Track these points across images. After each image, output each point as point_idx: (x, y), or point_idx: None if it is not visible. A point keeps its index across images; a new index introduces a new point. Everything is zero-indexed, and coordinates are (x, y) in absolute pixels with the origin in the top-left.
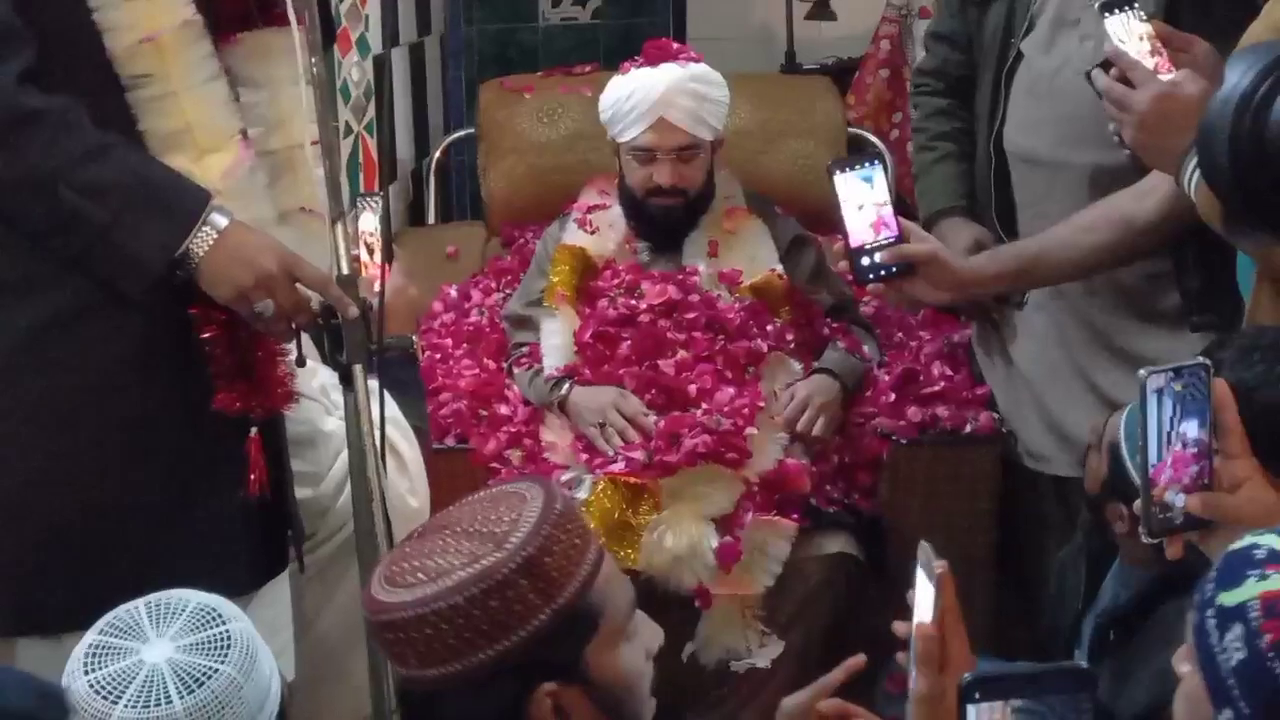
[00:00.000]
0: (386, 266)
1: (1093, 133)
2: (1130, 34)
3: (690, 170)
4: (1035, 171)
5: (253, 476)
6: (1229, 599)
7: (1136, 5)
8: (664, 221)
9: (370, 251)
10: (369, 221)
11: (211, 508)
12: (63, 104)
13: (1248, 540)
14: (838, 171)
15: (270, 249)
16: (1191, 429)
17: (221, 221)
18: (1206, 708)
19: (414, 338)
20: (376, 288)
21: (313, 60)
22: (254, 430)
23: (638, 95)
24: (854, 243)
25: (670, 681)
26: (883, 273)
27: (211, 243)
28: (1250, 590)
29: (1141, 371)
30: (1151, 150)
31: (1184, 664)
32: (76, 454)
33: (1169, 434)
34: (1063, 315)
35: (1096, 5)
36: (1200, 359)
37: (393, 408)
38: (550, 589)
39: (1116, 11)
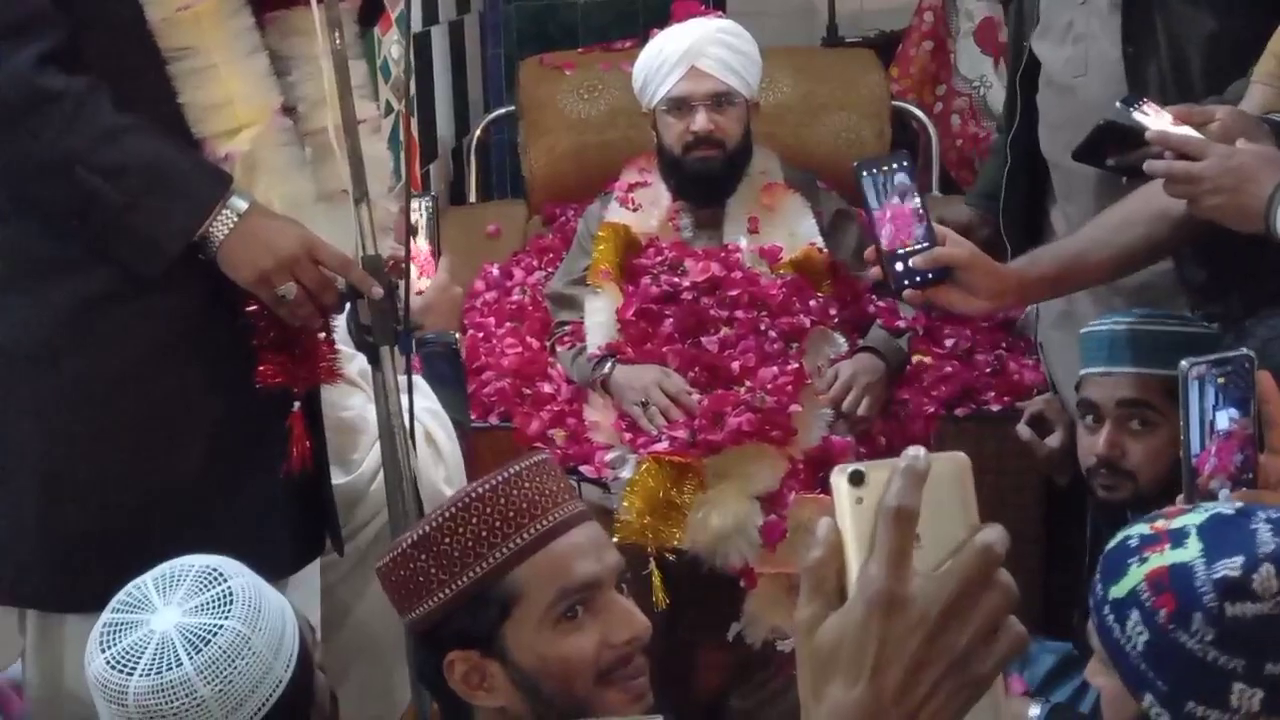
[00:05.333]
0: (431, 255)
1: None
2: (1159, 118)
3: (726, 121)
4: (1056, 172)
5: (295, 451)
6: (1118, 591)
7: (1145, 99)
8: (704, 176)
9: (414, 233)
10: (412, 205)
11: (253, 487)
12: (82, 85)
13: (1120, 536)
14: (865, 172)
15: (290, 231)
16: (1234, 419)
17: (241, 205)
18: (1129, 704)
19: (456, 335)
20: (415, 274)
21: (336, 37)
22: (296, 405)
23: (668, 49)
24: (887, 246)
25: (716, 661)
26: (918, 279)
27: (231, 226)
28: (1135, 576)
29: (1184, 362)
30: (1231, 210)
31: (1098, 676)
32: (117, 433)
33: (1211, 422)
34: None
35: (1118, 103)
36: (1243, 350)
37: (433, 398)
38: (452, 567)
39: (1136, 105)
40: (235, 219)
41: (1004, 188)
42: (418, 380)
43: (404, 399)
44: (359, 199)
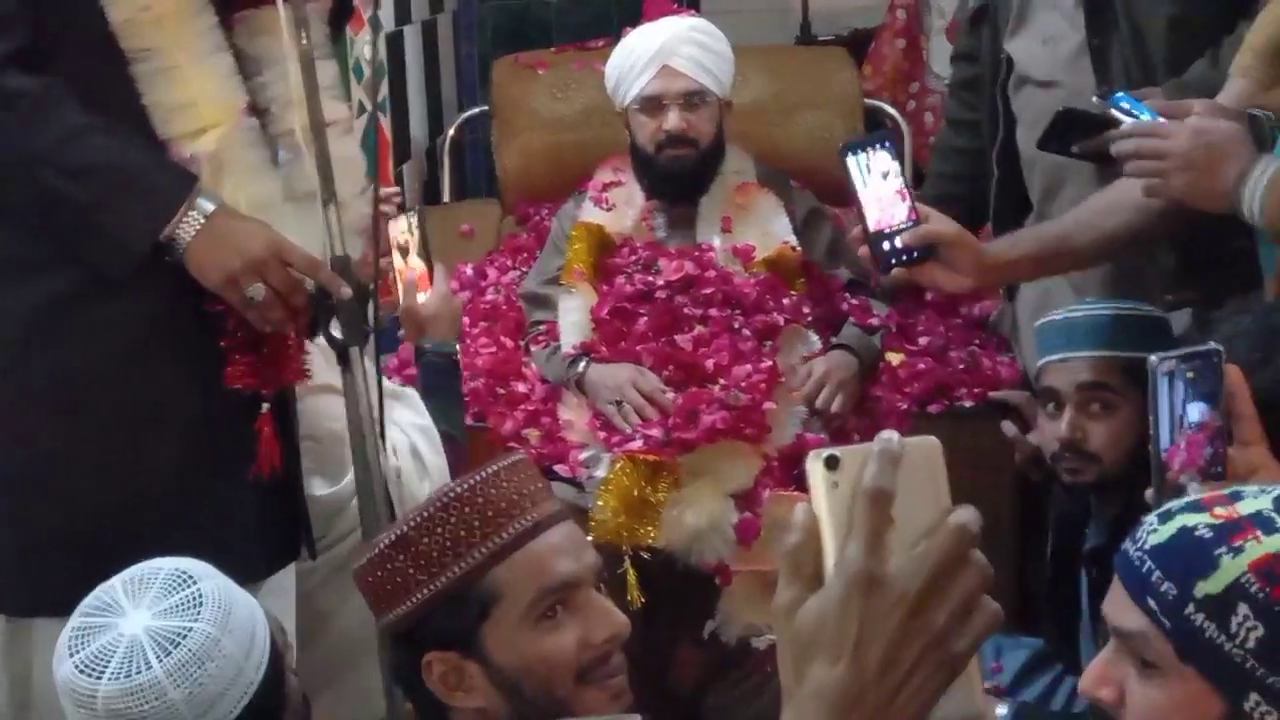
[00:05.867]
0: (427, 269)
1: None
2: (1136, 110)
3: (698, 120)
4: (1032, 172)
5: (263, 452)
6: (1212, 586)
7: (1121, 92)
8: (677, 175)
9: (404, 253)
10: (400, 226)
11: (225, 491)
12: (44, 86)
13: (1173, 528)
14: (850, 154)
15: (258, 233)
16: (1203, 413)
17: (209, 206)
18: (1206, 709)
19: (456, 345)
20: (417, 290)
21: (302, 37)
22: (265, 407)
23: (640, 47)
24: (873, 227)
25: (691, 660)
26: (904, 257)
27: (198, 228)
28: (1232, 569)
29: (1152, 357)
30: (1201, 190)
31: (1104, 688)
32: (86, 434)
33: (1180, 418)
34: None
35: (1095, 97)
36: (1211, 344)
37: (424, 413)
38: (430, 567)
39: (1112, 98)
40: (202, 220)
41: (993, 199)
42: (410, 393)
43: (374, 397)
44: (327, 200)
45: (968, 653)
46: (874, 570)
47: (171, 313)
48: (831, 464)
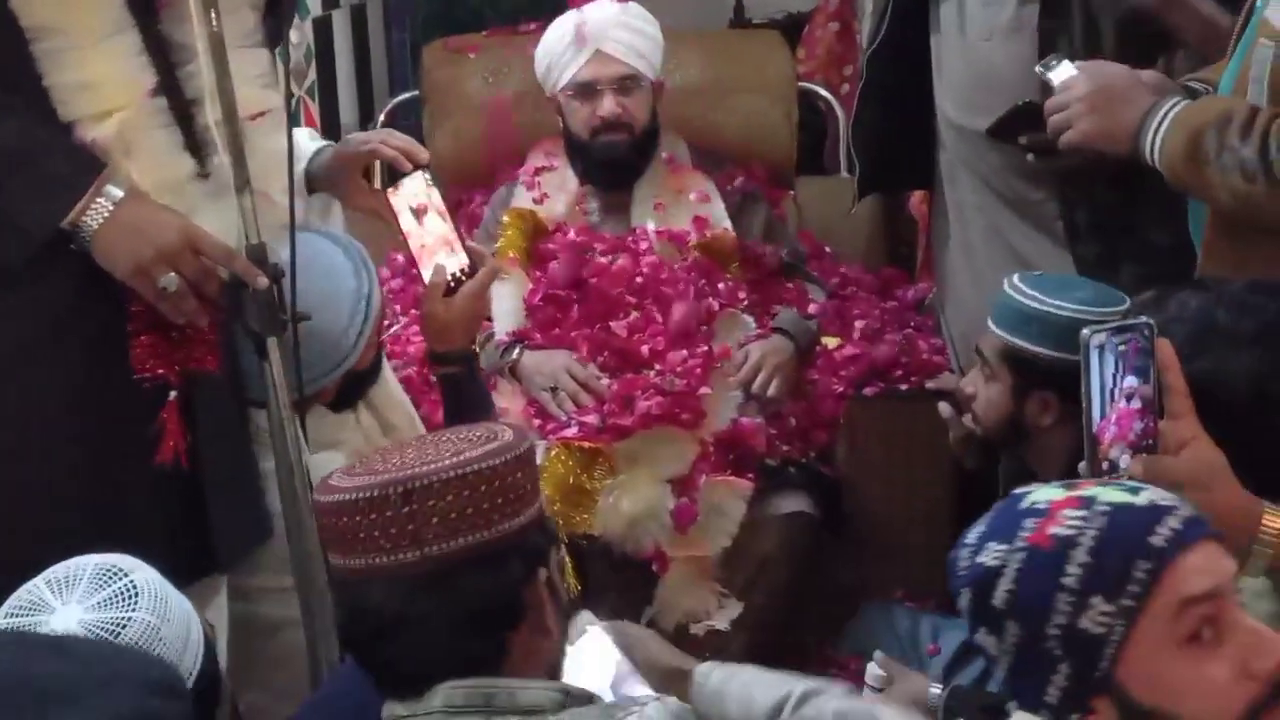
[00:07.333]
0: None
1: (983, 102)
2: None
3: (632, 104)
4: (944, 122)
5: (166, 442)
6: None
7: (1057, 57)
8: (611, 161)
9: (419, 215)
10: (411, 188)
11: (126, 495)
12: None
13: None
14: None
15: (170, 222)
16: (1134, 387)
17: (117, 193)
18: None
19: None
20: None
21: (211, 18)
22: (173, 394)
23: (572, 33)
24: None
25: None
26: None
27: (106, 215)
28: None
29: (1084, 331)
30: (1106, 132)
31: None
32: None
33: (1112, 391)
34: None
35: (1038, 67)
36: (1143, 319)
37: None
38: (533, 489)
39: (1054, 66)
40: (110, 208)
41: (857, 102)
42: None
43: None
44: (241, 187)
45: None
46: None
47: (73, 306)
48: None
